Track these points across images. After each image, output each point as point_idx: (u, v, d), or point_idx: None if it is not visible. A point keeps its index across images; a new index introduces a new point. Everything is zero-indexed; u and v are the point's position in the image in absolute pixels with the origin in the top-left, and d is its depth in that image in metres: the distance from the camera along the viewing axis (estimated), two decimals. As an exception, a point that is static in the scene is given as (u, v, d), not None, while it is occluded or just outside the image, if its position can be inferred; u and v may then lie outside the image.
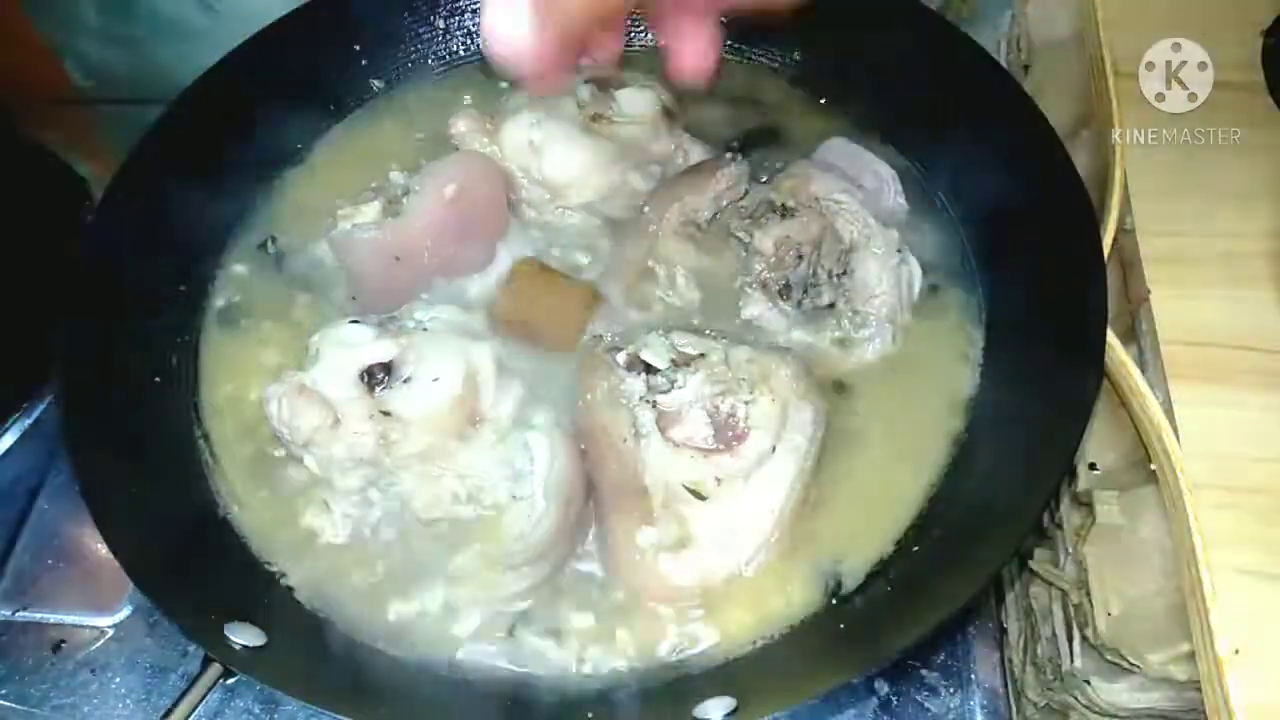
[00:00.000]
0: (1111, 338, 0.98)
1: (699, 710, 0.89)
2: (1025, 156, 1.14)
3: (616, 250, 1.23)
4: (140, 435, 1.09)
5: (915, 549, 1.02)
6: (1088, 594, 1.01)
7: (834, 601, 1.01)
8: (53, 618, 1.20)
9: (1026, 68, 1.36)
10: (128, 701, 1.14)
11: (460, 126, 1.25)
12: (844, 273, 1.14)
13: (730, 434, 1.02)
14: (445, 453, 1.04)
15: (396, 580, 1.03)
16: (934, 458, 1.08)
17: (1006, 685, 1.15)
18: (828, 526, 1.04)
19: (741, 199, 1.22)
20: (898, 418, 1.11)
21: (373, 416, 1.02)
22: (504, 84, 1.36)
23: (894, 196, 1.24)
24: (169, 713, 0.90)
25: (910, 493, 1.06)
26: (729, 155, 1.24)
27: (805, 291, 1.14)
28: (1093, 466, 1.05)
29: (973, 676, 1.13)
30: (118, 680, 1.16)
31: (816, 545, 1.03)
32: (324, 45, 1.36)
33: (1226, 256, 1.00)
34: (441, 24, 1.43)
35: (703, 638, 1.00)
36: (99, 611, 1.20)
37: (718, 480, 1.00)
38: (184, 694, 0.91)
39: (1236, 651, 0.80)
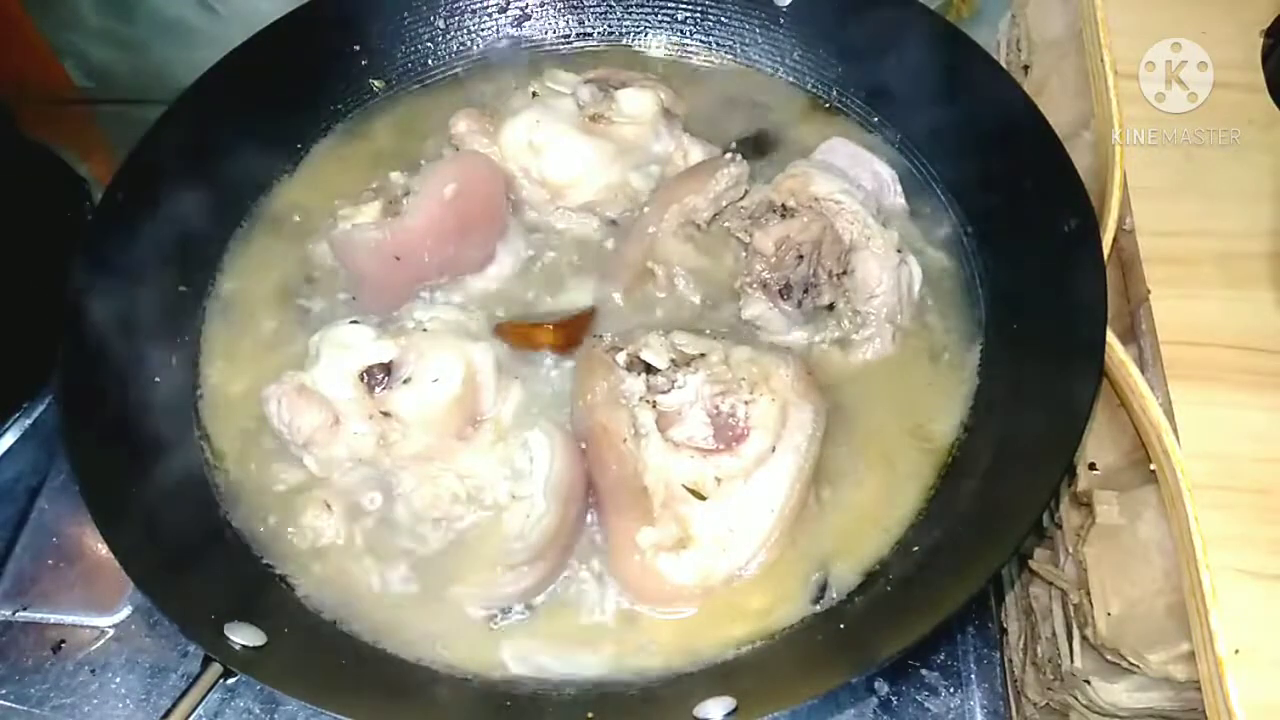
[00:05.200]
0: (1111, 338, 0.98)
1: (699, 710, 0.89)
2: (1025, 156, 1.14)
3: (616, 251, 1.23)
4: (140, 435, 1.09)
5: (915, 549, 1.02)
6: (1088, 594, 1.01)
7: (833, 601, 1.01)
8: (53, 618, 1.20)
9: (1026, 68, 1.36)
10: (128, 701, 1.14)
11: (460, 126, 1.25)
12: (844, 273, 1.14)
13: (730, 434, 1.02)
14: (445, 453, 1.04)
15: (396, 580, 1.03)
16: (933, 458, 1.08)
17: (1006, 685, 1.15)
18: (827, 526, 1.04)
19: (741, 199, 1.22)
20: (897, 417, 1.11)
21: (372, 417, 1.02)
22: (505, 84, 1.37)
23: (894, 196, 1.24)
24: (169, 713, 0.90)
25: (910, 493, 1.06)
26: (729, 155, 1.23)
27: (805, 292, 1.14)
28: (1093, 466, 1.05)
29: (973, 676, 1.13)
30: (118, 680, 1.15)
31: (816, 545, 1.03)
32: (324, 45, 1.36)
33: (1226, 257, 1.00)
34: (441, 24, 1.43)
35: (702, 637, 1.00)
36: (99, 611, 1.19)
37: (718, 480, 1.00)
38: (184, 694, 0.91)
39: (1236, 651, 0.80)
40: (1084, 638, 1.02)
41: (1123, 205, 1.06)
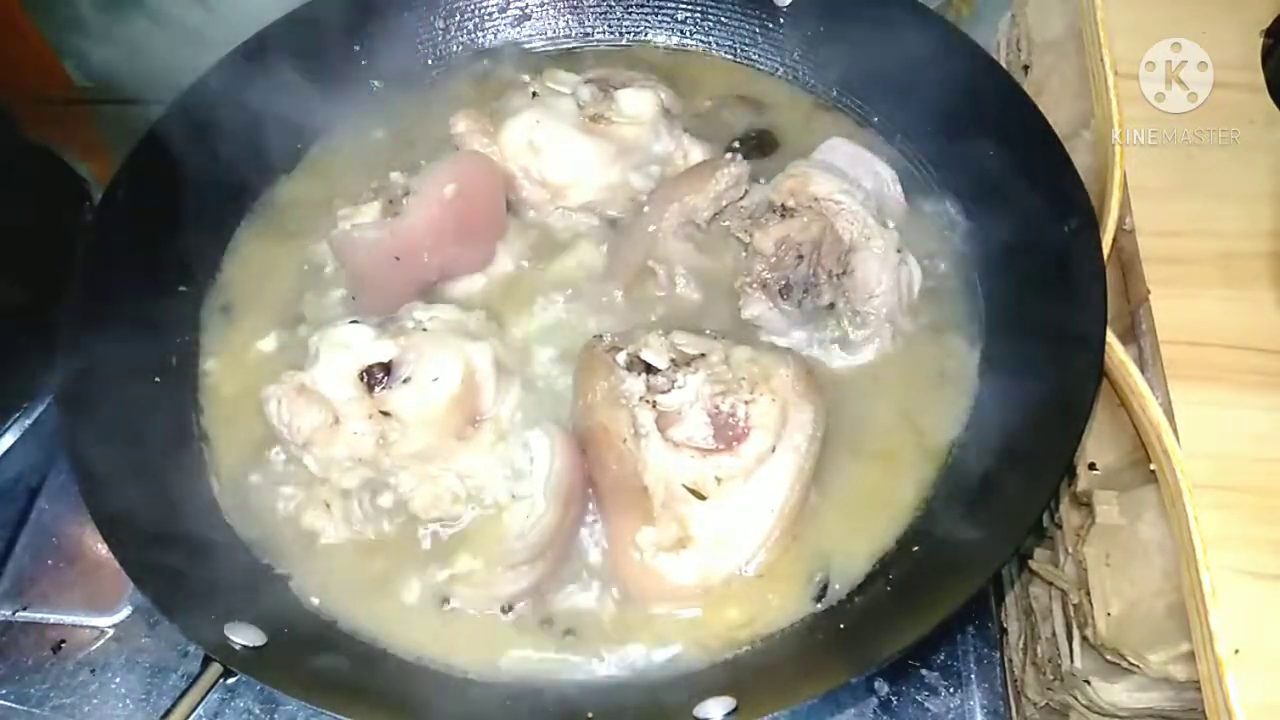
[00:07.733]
0: (1111, 338, 0.98)
1: (699, 710, 0.89)
2: (1025, 156, 1.14)
3: (616, 250, 1.23)
4: (140, 436, 1.09)
5: (915, 549, 1.02)
6: (1088, 594, 1.01)
7: (833, 601, 1.01)
8: (53, 618, 1.20)
9: (1026, 68, 1.36)
10: (128, 701, 1.14)
11: (460, 126, 1.25)
12: (844, 273, 1.14)
13: (730, 434, 1.02)
14: (445, 452, 1.04)
15: (396, 579, 1.03)
16: (933, 457, 1.08)
17: (1006, 685, 1.15)
18: (827, 526, 1.04)
19: (741, 199, 1.22)
20: (897, 417, 1.11)
21: (372, 416, 1.02)
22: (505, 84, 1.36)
23: (894, 196, 1.24)
24: (169, 713, 0.90)
25: (909, 492, 1.06)
26: (729, 155, 1.24)
27: (805, 292, 1.14)
28: (1093, 466, 1.05)
29: (973, 676, 1.13)
30: (118, 680, 1.15)
31: (816, 545, 1.03)
32: (324, 45, 1.36)
33: (1225, 257, 1.00)
34: (441, 24, 1.43)
35: (702, 637, 1.00)
36: (99, 611, 1.20)
37: (718, 480, 1.00)
38: (184, 694, 0.91)
39: (1236, 651, 0.80)
40: (1084, 638, 1.02)
41: (1123, 205, 1.05)
